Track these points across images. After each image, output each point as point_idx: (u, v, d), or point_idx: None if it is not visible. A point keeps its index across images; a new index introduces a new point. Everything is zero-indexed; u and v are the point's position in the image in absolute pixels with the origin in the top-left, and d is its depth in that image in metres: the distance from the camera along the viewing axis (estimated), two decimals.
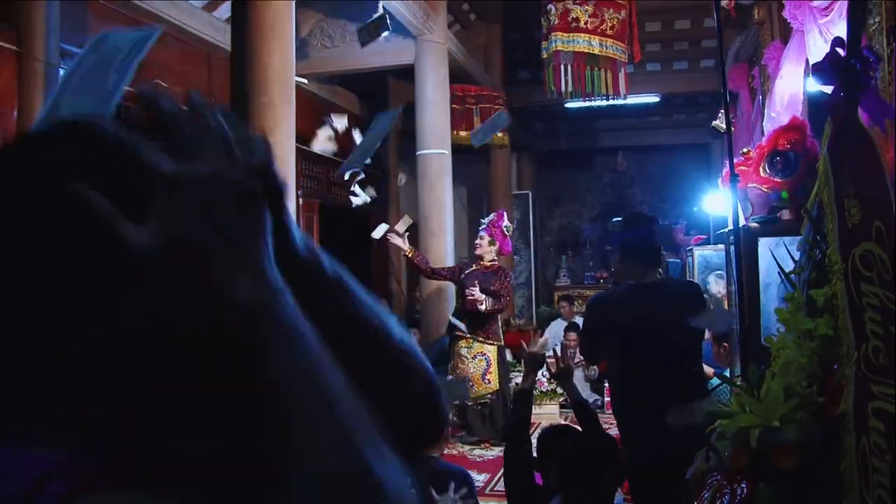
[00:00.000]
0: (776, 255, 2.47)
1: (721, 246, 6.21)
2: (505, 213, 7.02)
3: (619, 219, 3.49)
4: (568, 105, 10.42)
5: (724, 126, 3.33)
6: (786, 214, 3.43)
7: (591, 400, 7.80)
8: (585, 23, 7.06)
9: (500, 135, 9.95)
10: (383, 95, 11.20)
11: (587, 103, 8.65)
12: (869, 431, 1.43)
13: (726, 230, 3.82)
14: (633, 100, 9.68)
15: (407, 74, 9.03)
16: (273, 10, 4.37)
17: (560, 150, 15.38)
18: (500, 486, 4.95)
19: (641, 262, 3.20)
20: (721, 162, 12.47)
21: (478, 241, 6.65)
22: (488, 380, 6.36)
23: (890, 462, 1.39)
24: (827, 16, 4.75)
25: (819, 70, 1.81)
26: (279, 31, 4.40)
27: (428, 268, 6.67)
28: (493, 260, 6.65)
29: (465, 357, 6.36)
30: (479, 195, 13.18)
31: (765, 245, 3.33)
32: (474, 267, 6.58)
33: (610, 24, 7.16)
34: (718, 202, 7.83)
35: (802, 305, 1.78)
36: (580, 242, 15.64)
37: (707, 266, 7.27)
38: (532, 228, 13.89)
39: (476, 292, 6.17)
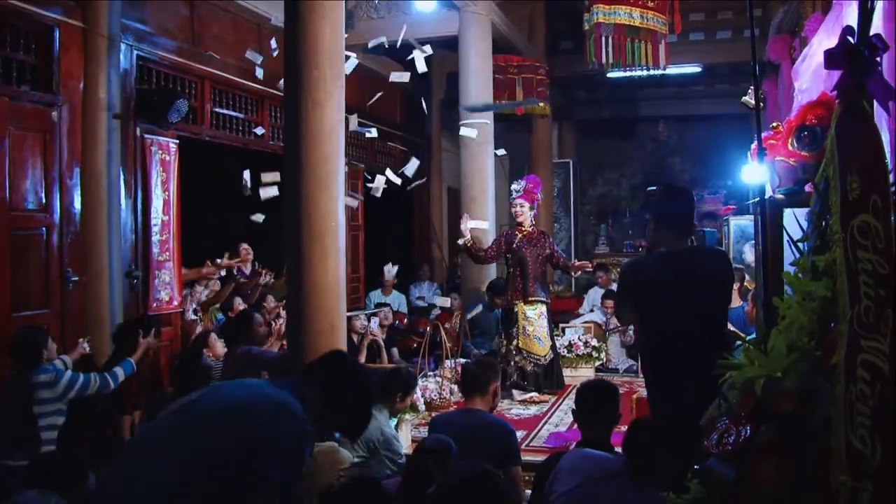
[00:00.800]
0: (793, 226, 2.66)
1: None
2: (537, 179, 7.18)
3: (654, 188, 3.68)
4: (610, 74, 10.48)
5: (752, 102, 3.47)
6: (810, 187, 3.58)
7: (626, 365, 8.01)
8: None
9: (541, 104, 10.09)
10: (428, 65, 11.35)
11: (628, 74, 8.71)
12: (857, 380, 1.63)
13: (754, 201, 3.97)
14: (674, 70, 9.73)
15: (450, 44, 9.18)
16: None
17: (602, 118, 15.42)
18: (535, 442, 5.22)
19: (674, 230, 3.38)
20: (760, 129, 12.40)
21: (518, 210, 6.84)
22: (550, 338, 6.70)
23: (872, 407, 1.59)
24: None
25: (831, 56, 1.98)
26: (330, 8, 4.63)
27: (484, 253, 6.95)
28: (532, 224, 6.88)
29: (532, 318, 6.65)
30: (520, 163, 13.30)
31: (790, 215, 3.49)
32: (519, 235, 6.81)
33: None
34: (757, 173, 7.91)
35: (808, 270, 1.97)
36: (620, 210, 15.72)
37: (743, 235, 7.38)
38: (573, 196, 14.01)
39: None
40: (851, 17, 5.03)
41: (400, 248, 11.81)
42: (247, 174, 5.43)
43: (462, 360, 6.92)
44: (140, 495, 2.13)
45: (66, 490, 2.85)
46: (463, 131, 7.71)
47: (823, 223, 1.96)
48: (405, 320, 9.51)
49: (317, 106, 4.56)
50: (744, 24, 11.27)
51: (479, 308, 7.83)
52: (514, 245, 6.74)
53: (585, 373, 7.17)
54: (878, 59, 1.95)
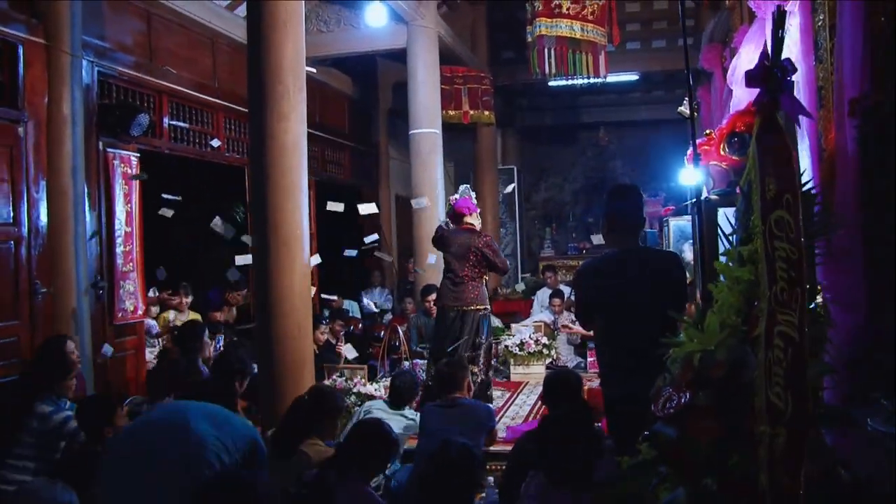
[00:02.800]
0: (725, 223, 3.02)
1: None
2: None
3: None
4: (551, 83, 10.90)
5: (688, 112, 3.83)
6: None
7: (575, 362, 8.37)
8: (568, 8, 7.54)
9: (486, 113, 10.45)
10: (373, 76, 11.65)
11: (569, 82, 9.08)
12: (773, 348, 1.96)
13: (691, 202, 4.34)
14: (613, 78, 10.16)
15: (395, 56, 9.46)
16: (286, 8, 4.84)
17: (544, 125, 15.88)
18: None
19: (624, 229, 3.64)
20: (698, 136, 12.98)
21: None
22: None
23: (785, 368, 1.92)
24: (785, 6, 5.24)
25: (750, 76, 2.33)
26: (292, 26, 4.87)
27: None
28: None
29: None
30: (465, 170, 13.65)
31: (723, 214, 3.86)
32: None
33: (591, 10, 7.64)
34: (692, 176, 8.36)
35: (735, 259, 2.31)
36: (563, 214, 16.16)
37: (682, 235, 7.77)
38: (517, 202, 14.41)
39: None
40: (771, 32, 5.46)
41: (349, 257, 12.02)
42: (218, 221, 5.47)
43: (418, 362, 7.20)
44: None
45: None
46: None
47: (747, 219, 2.30)
48: (359, 326, 9.74)
49: (281, 119, 4.80)
50: (678, 34, 11.81)
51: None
52: None
53: (537, 369, 7.50)
54: (789, 79, 2.31)
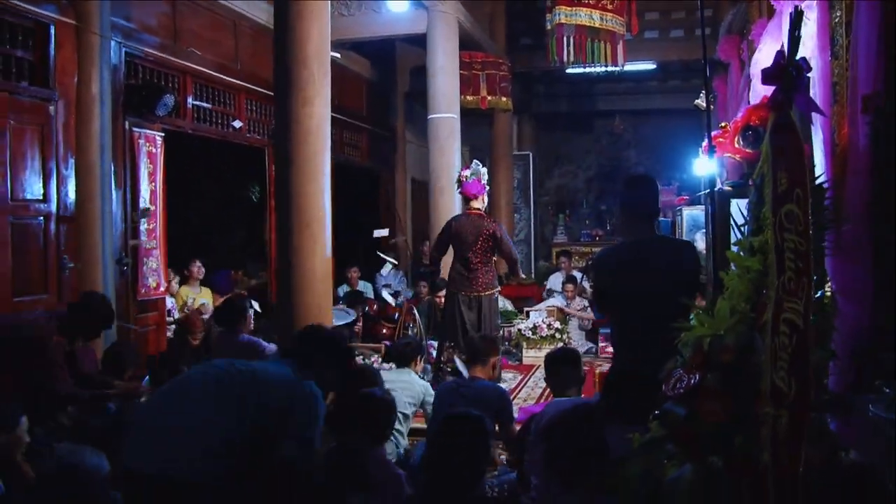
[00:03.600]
0: (738, 214, 3.12)
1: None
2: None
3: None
4: (569, 71, 10.95)
5: (704, 105, 3.93)
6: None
7: (585, 347, 8.50)
8: None
9: (504, 99, 10.52)
10: (391, 59, 11.74)
11: (587, 70, 9.14)
12: (779, 334, 2.07)
13: (705, 192, 4.44)
14: (630, 67, 10.21)
15: (413, 40, 9.54)
16: None
17: (560, 112, 15.92)
18: None
19: (638, 218, 3.71)
20: (713, 127, 13.03)
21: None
22: None
23: (790, 354, 2.04)
24: (804, 1, 5.30)
25: (766, 74, 2.42)
26: (318, 12, 4.98)
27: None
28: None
29: None
30: (481, 155, 13.70)
31: (736, 205, 3.96)
32: None
33: None
34: (706, 167, 8.43)
35: (746, 249, 2.42)
36: (577, 201, 16.22)
37: (695, 225, 7.86)
38: (532, 188, 14.49)
39: None
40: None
41: (365, 238, 12.19)
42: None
43: (432, 342, 7.33)
44: (173, 444, 2.56)
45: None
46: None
47: (759, 211, 2.40)
48: (374, 307, 9.88)
49: (306, 103, 4.92)
50: (696, 24, 11.81)
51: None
52: None
53: None
54: (804, 77, 2.40)
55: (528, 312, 8.39)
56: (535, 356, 7.52)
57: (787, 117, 2.36)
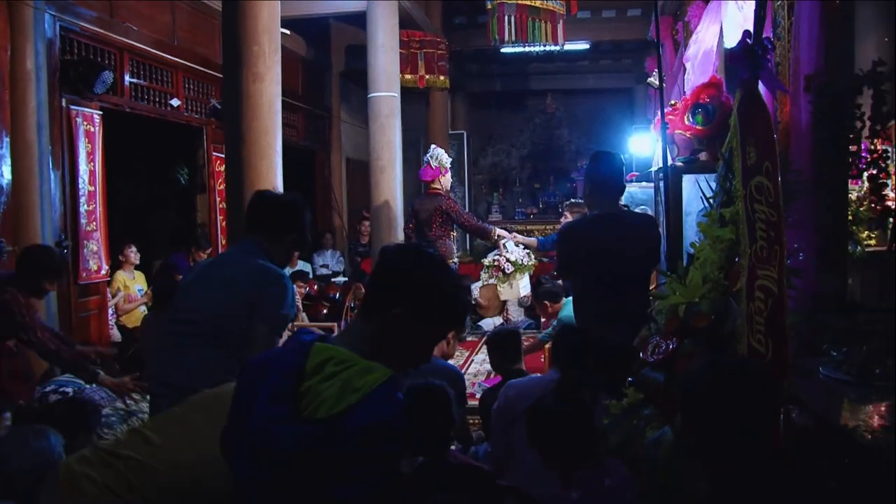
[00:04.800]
0: (699, 191, 3.25)
1: (645, 183, 6.96)
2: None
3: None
4: (504, 50, 11.02)
5: (657, 83, 4.05)
6: (703, 156, 4.21)
7: (525, 324, 8.66)
8: None
9: (441, 78, 10.55)
10: (326, 38, 11.62)
11: (525, 49, 9.21)
12: (755, 299, 2.19)
13: (656, 168, 4.57)
14: (565, 46, 10.34)
15: (349, 18, 9.45)
16: None
17: (493, 91, 16.02)
18: None
19: (606, 192, 3.85)
20: (644, 106, 13.36)
21: None
22: None
23: (765, 317, 2.16)
24: None
25: (733, 54, 2.53)
26: None
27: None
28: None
29: None
30: (415, 134, 13.73)
31: (687, 180, 4.12)
32: None
33: None
34: (642, 143, 8.66)
35: (716, 220, 2.54)
36: (511, 180, 16.40)
37: (633, 201, 8.04)
38: (466, 167, 14.58)
39: None
40: (726, 9, 5.69)
41: None
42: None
43: None
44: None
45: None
46: None
47: (728, 183, 2.52)
48: (315, 287, 9.84)
49: (256, 80, 4.85)
50: (627, 5, 12.05)
51: None
52: None
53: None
54: (769, 57, 2.52)
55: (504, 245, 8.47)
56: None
57: (754, 93, 2.48)
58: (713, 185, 2.69)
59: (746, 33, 2.51)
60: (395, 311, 1.63)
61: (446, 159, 7.23)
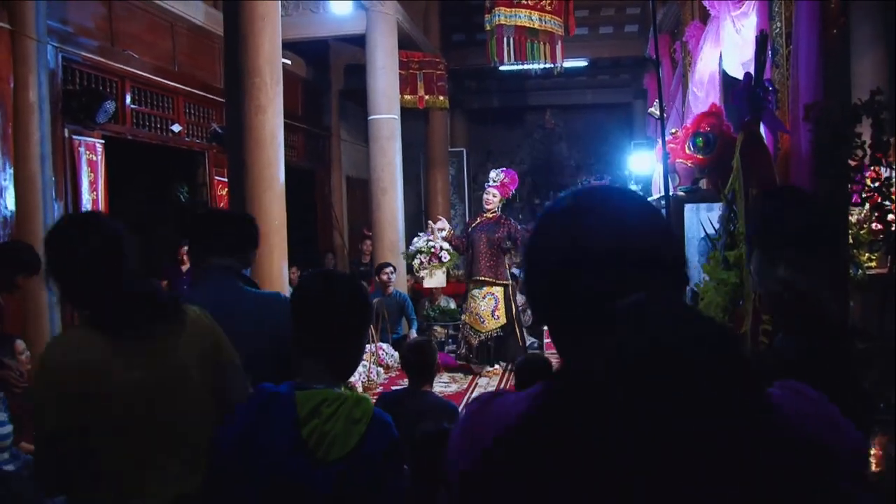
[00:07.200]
0: (699, 219, 3.27)
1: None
2: (515, 174, 7.82)
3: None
4: (502, 68, 11.06)
5: (657, 113, 4.07)
6: (704, 184, 4.24)
7: (528, 342, 8.64)
8: None
9: (441, 98, 10.60)
10: (325, 58, 11.67)
11: (523, 67, 9.25)
12: (759, 343, 2.21)
13: (659, 197, 4.59)
14: (564, 64, 10.37)
15: (348, 38, 9.51)
16: (264, 2, 4.90)
17: (492, 107, 16.08)
18: None
19: None
20: (643, 121, 13.40)
21: (489, 198, 7.32)
22: (497, 316, 7.16)
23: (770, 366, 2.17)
24: (739, 9, 5.53)
25: (735, 95, 2.56)
26: (269, 19, 4.94)
27: (460, 244, 7.38)
28: (496, 212, 7.33)
29: (477, 297, 7.14)
30: (415, 152, 13.77)
31: (689, 210, 4.14)
32: (478, 220, 7.28)
33: (549, 1, 7.83)
34: (641, 162, 8.70)
35: (720, 262, 2.55)
36: (510, 196, 16.38)
37: None
38: (466, 184, 14.62)
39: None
40: (726, 33, 5.72)
41: (302, 238, 12.09)
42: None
43: (381, 344, 7.41)
44: None
45: None
46: None
47: (732, 226, 2.54)
48: None
49: (259, 112, 4.88)
50: (625, 21, 12.12)
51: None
52: (470, 230, 7.24)
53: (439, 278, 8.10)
54: (770, 98, 2.55)
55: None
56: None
57: (756, 135, 2.51)
58: (713, 217, 2.71)
59: (748, 76, 2.54)
60: (355, 340, 1.85)
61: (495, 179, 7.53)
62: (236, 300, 2.68)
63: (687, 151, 4.22)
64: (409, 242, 8.30)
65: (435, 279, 7.90)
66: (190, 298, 2.39)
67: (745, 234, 1.73)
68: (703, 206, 3.94)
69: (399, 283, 8.44)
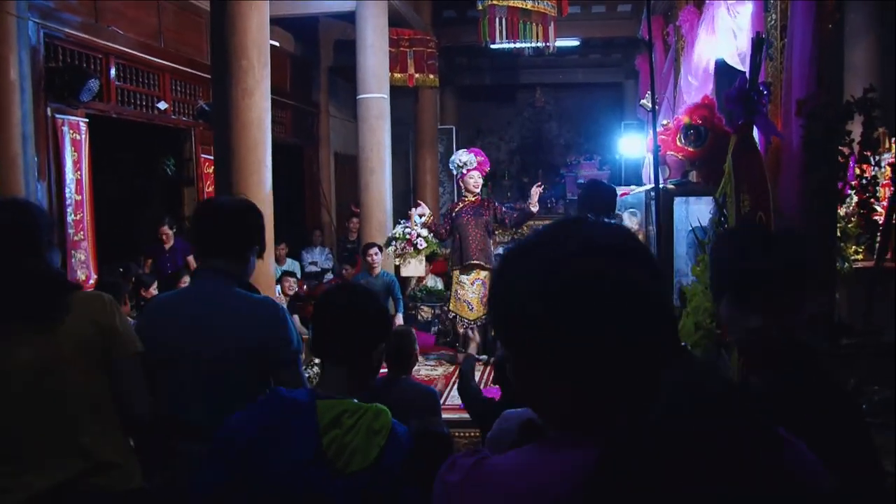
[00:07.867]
0: (688, 212, 3.25)
1: (635, 187, 6.95)
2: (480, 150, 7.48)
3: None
4: (494, 46, 10.96)
5: (649, 105, 4.04)
6: (693, 177, 4.22)
7: None
8: None
9: (431, 76, 10.50)
10: (314, 33, 11.53)
11: (515, 46, 9.14)
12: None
13: (648, 188, 4.57)
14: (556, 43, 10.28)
15: (337, 13, 9.38)
16: None
17: (483, 85, 15.95)
18: (449, 401, 5.72)
19: (594, 213, 3.91)
20: (634, 102, 13.34)
21: (476, 181, 7.10)
22: (485, 302, 7.07)
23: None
24: None
25: (729, 98, 2.53)
26: (256, 2, 4.85)
27: (441, 231, 7.25)
28: (478, 194, 7.17)
29: (465, 283, 7.06)
30: (403, 130, 13.67)
31: (678, 202, 4.12)
32: (461, 204, 7.12)
33: None
34: (631, 145, 8.66)
35: (708, 265, 2.54)
36: (499, 173, 16.36)
37: (622, 204, 8.06)
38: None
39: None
40: (720, 19, 5.66)
41: (290, 214, 12.01)
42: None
43: None
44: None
45: None
46: None
47: (721, 229, 2.52)
48: (304, 287, 9.79)
49: (246, 95, 4.80)
50: (618, 1, 12.00)
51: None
52: (454, 214, 7.11)
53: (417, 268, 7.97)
54: (764, 101, 2.52)
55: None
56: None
57: (749, 139, 2.48)
58: (702, 210, 2.69)
59: (743, 79, 2.51)
60: (375, 353, 1.90)
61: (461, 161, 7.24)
62: (218, 301, 2.43)
63: (678, 144, 4.19)
64: (396, 221, 8.23)
65: (411, 267, 7.79)
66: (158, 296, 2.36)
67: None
68: (691, 199, 3.91)
69: (387, 264, 8.37)
